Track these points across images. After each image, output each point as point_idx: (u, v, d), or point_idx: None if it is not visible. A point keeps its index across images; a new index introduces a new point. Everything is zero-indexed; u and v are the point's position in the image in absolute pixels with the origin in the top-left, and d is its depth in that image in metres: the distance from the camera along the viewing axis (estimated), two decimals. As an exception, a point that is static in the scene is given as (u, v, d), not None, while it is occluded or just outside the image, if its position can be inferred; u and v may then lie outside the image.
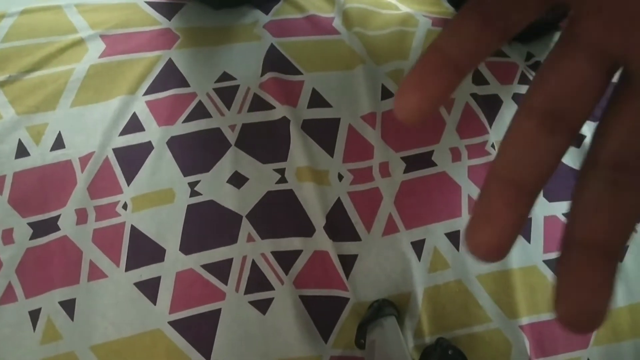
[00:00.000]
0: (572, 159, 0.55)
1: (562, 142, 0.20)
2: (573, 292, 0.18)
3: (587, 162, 0.19)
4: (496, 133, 0.54)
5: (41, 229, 0.49)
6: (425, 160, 0.53)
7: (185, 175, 0.51)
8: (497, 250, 0.19)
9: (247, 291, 0.48)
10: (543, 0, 0.20)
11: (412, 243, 0.50)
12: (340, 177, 0.52)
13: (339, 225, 0.50)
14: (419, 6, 0.62)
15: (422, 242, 0.50)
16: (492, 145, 0.53)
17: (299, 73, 0.56)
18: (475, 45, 0.20)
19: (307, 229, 0.50)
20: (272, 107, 0.54)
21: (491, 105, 0.56)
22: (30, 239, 0.49)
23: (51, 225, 0.49)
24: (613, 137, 0.19)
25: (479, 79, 0.57)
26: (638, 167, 0.19)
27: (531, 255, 0.50)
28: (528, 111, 0.20)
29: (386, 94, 0.55)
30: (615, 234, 0.19)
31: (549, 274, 0.50)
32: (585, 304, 0.17)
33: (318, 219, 0.50)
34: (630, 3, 0.18)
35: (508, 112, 0.55)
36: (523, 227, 0.19)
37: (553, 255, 0.50)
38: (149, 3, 0.60)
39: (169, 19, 0.59)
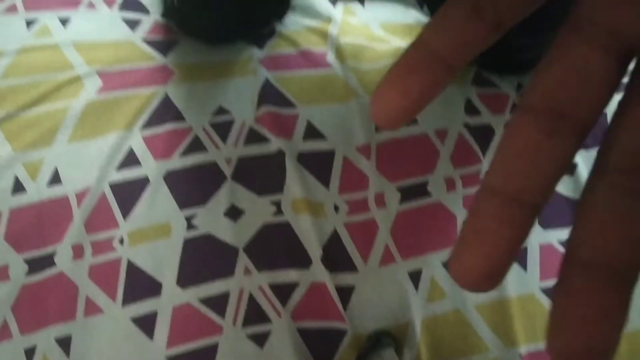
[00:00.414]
0: (565, 187, 0.55)
1: (566, 146, 0.17)
2: (573, 322, 0.15)
3: (595, 169, 0.17)
4: (490, 162, 0.55)
5: (37, 265, 0.49)
6: (420, 191, 0.53)
7: (181, 209, 0.51)
8: (486, 278, 0.16)
9: (245, 324, 0.48)
10: None
11: (409, 273, 0.50)
12: (336, 208, 0.52)
13: (336, 257, 0.50)
14: (410, 39, 0.64)
15: (419, 272, 0.50)
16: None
17: (294, 106, 0.57)
18: (463, 38, 0.18)
19: (303, 261, 0.50)
20: (267, 140, 0.55)
21: (484, 135, 0.56)
22: (26, 275, 0.49)
23: (47, 261, 0.49)
24: (626, 137, 0.16)
25: (471, 109, 0.58)
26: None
27: (528, 284, 0.50)
28: (525, 112, 0.17)
29: (380, 125, 0.56)
30: (630, 252, 0.15)
31: (546, 303, 0.50)
32: (588, 338, 0.14)
33: (315, 251, 0.50)
34: None
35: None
36: (518, 251, 0.16)
37: (550, 283, 0.51)
38: (145, 40, 0.61)
39: (165, 55, 0.60)
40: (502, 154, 0.17)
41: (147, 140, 0.54)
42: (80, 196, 0.51)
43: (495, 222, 0.16)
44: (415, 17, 0.66)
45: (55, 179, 0.52)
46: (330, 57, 0.60)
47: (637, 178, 0.16)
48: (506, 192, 0.16)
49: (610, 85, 0.17)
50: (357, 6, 0.66)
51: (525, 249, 0.52)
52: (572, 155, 0.17)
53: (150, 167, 0.53)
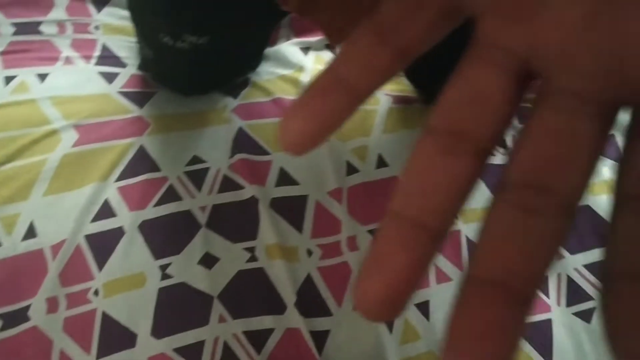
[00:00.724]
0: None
1: (466, 166, 0.16)
2: (466, 339, 0.14)
3: (497, 187, 0.16)
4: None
5: (11, 320, 0.49)
6: None
7: (156, 259, 0.52)
8: (386, 305, 0.15)
9: (220, 373, 0.48)
10: (440, 13, 0.18)
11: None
12: (310, 252, 0.53)
13: (310, 301, 0.51)
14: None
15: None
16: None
17: (267, 153, 0.58)
18: (369, 65, 0.18)
19: (278, 307, 0.50)
20: (241, 187, 0.56)
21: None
22: (0, 330, 0.49)
23: (21, 315, 0.49)
24: (524, 151, 0.16)
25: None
26: (551, 186, 0.16)
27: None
28: (427, 133, 0.17)
29: (351, 169, 0.57)
30: (525, 268, 0.15)
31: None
32: (480, 354, 0.14)
33: (289, 296, 0.50)
34: None
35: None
36: (423, 276, 0.16)
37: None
38: (121, 93, 0.62)
39: (141, 107, 0.61)
40: (404, 175, 0.17)
41: (123, 191, 0.55)
42: (55, 249, 0.52)
43: (395, 247, 0.16)
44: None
45: (31, 232, 0.53)
46: (302, 104, 0.62)
47: (531, 194, 0.16)
48: (406, 215, 0.16)
49: (509, 105, 0.17)
50: (327, 54, 0.68)
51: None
52: (474, 175, 0.16)
53: (125, 217, 0.54)
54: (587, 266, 0.54)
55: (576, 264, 0.54)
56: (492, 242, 0.16)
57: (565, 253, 0.54)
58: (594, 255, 0.54)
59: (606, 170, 0.58)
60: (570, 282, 0.53)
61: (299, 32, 0.70)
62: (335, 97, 0.17)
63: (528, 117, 0.16)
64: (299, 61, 0.67)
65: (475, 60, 0.17)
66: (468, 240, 0.54)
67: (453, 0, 0.17)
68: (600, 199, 0.56)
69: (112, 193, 0.55)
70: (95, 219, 0.53)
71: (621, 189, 0.16)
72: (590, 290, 0.53)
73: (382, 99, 0.63)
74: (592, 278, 0.53)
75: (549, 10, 0.16)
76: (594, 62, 0.16)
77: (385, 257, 0.16)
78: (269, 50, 0.68)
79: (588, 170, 0.16)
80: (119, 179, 0.56)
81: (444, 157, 0.16)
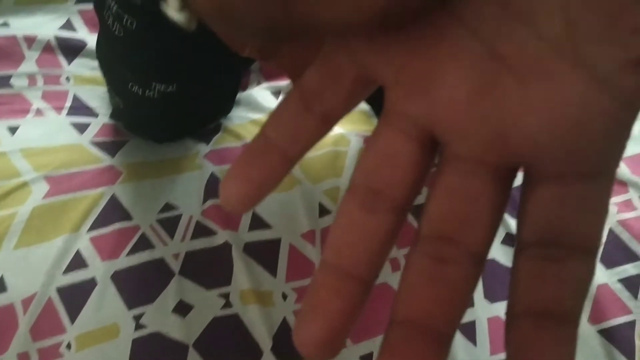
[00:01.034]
0: (509, 259, 0.57)
1: (385, 221, 0.18)
2: None
3: (414, 237, 0.19)
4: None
5: (-20, 378, 0.48)
6: None
7: (129, 309, 0.51)
8: (323, 347, 0.17)
9: None
10: (355, 82, 0.20)
11: (361, 357, 0.50)
12: (285, 296, 0.52)
13: (287, 346, 0.50)
14: (351, 125, 0.66)
15: (371, 355, 0.50)
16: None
17: (239, 198, 0.58)
18: (297, 130, 0.20)
19: (254, 353, 0.50)
20: (214, 233, 0.55)
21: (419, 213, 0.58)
22: (-31, 390, 0.47)
23: (-9, 373, 0.48)
24: (432, 208, 0.19)
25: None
26: (458, 239, 0.18)
27: (479, 358, 0.50)
28: (350, 191, 0.19)
29: (323, 211, 0.57)
30: (441, 310, 0.17)
31: (499, 377, 0.50)
32: None
33: (265, 342, 0.50)
34: (425, 68, 0.18)
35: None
36: (356, 319, 0.18)
37: (501, 356, 0.51)
38: (93, 143, 0.63)
39: (113, 156, 0.61)
40: (332, 230, 0.19)
41: (95, 242, 0.55)
42: (26, 303, 0.51)
43: (329, 295, 0.18)
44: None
45: (1, 286, 0.52)
46: (274, 148, 0.62)
47: (441, 245, 0.18)
48: (337, 266, 0.18)
49: (419, 167, 0.19)
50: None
51: (474, 323, 0.52)
52: (395, 230, 0.19)
53: (98, 268, 0.53)
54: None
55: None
56: (410, 289, 0.18)
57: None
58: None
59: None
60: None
61: (269, 76, 0.71)
62: (267, 161, 0.19)
63: (434, 178, 0.19)
64: (270, 105, 0.67)
65: (386, 126, 0.19)
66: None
67: (365, 72, 0.19)
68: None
69: (83, 244, 0.54)
70: (66, 271, 0.53)
71: (519, 237, 0.18)
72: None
73: (353, 139, 0.64)
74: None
75: (442, 87, 0.18)
76: (480, 133, 0.18)
77: (320, 303, 0.17)
78: (240, 95, 0.68)
79: (489, 223, 0.18)
80: (91, 229, 0.55)
81: (364, 213, 0.18)
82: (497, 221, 0.19)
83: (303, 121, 0.20)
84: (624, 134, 0.18)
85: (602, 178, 0.18)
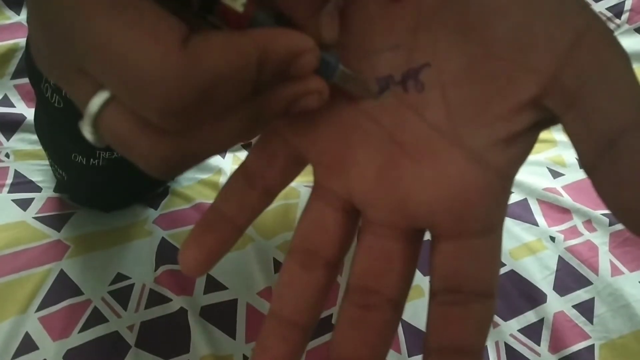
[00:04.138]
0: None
1: (321, 276, 0.22)
2: None
3: (345, 290, 0.22)
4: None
5: None
6: (327, 326, 0.53)
7: (85, 389, 0.49)
8: None
9: None
10: (288, 161, 0.24)
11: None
12: (245, 358, 0.51)
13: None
14: (300, 177, 0.66)
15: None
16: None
17: (192, 261, 0.57)
18: (243, 203, 0.23)
19: (218, 421, 0.48)
20: (169, 300, 0.54)
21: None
22: None
23: None
24: (356, 264, 0.23)
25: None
26: (378, 289, 0.22)
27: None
28: (291, 251, 0.23)
29: (278, 266, 0.57)
30: (369, 353, 0.21)
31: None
32: None
33: (228, 408, 0.49)
34: (341, 151, 0.23)
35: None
36: (299, 357, 0.22)
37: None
38: (37, 218, 0.61)
39: (59, 230, 0.60)
40: (277, 285, 0.23)
41: (44, 322, 0.53)
42: (-27, 394, 0.49)
43: (276, 340, 0.21)
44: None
45: (-54, 380, 0.49)
46: (224, 207, 0.62)
47: (364, 295, 0.22)
48: (281, 315, 0.22)
49: (345, 230, 0.23)
50: (244, 154, 0.69)
51: None
52: (329, 282, 0.23)
53: (49, 349, 0.51)
54: (521, 330, 0.55)
55: (511, 330, 0.54)
56: (342, 333, 0.21)
57: (499, 320, 0.55)
58: (527, 318, 0.55)
59: (526, 234, 0.60)
60: (509, 348, 0.53)
61: (214, 136, 0.71)
62: (219, 230, 0.23)
63: (358, 239, 0.23)
64: (218, 164, 0.67)
65: (316, 198, 0.23)
66: (403, 322, 0.54)
67: (295, 152, 0.24)
68: (522, 262, 0.57)
69: (32, 325, 0.52)
70: (16, 356, 0.51)
71: (430, 286, 0.22)
72: (528, 354, 0.53)
73: (302, 190, 0.64)
74: (529, 342, 0.54)
75: (354, 166, 0.23)
76: (386, 202, 0.22)
77: (269, 348, 0.21)
78: (186, 157, 0.68)
79: (402, 274, 0.22)
80: (39, 308, 0.53)
81: (303, 270, 0.22)
82: (409, 272, 0.22)
83: (247, 195, 0.23)
84: (502, 198, 0.21)
85: (490, 234, 0.21)
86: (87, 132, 0.19)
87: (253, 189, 0.23)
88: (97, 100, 0.18)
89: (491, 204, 0.21)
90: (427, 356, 0.21)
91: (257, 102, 0.20)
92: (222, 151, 0.20)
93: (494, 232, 0.21)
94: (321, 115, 0.23)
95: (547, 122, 0.21)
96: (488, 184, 0.21)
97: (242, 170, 0.24)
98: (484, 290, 0.21)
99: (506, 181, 0.21)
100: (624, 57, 0.18)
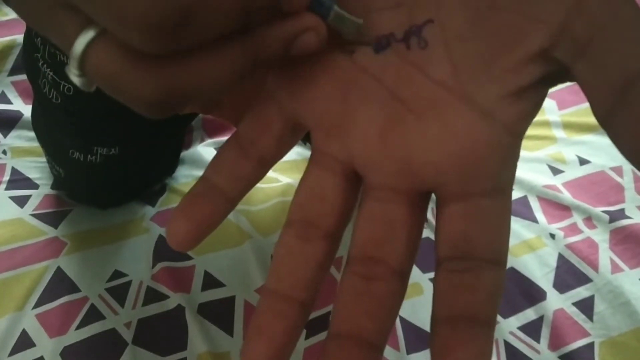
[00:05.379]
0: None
1: (321, 248, 0.21)
2: None
3: (346, 260, 0.21)
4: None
5: None
6: (326, 324, 0.53)
7: (81, 386, 0.49)
8: None
9: None
10: (284, 128, 0.22)
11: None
12: (243, 356, 0.51)
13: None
14: (298, 175, 0.66)
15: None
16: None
17: (190, 258, 0.57)
18: (236, 174, 0.22)
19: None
20: (166, 297, 0.54)
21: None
22: None
23: None
24: (357, 232, 0.21)
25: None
26: (381, 258, 0.20)
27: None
28: (287, 224, 0.22)
29: (276, 263, 0.57)
30: (371, 323, 0.20)
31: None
32: None
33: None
34: (340, 113, 0.21)
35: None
36: (298, 338, 0.20)
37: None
38: (34, 215, 0.61)
39: (56, 227, 0.60)
40: (273, 260, 0.21)
41: (41, 319, 0.52)
42: (-30, 392, 0.48)
43: (271, 317, 0.20)
44: (299, 152, 0.69)
45: (-58, 377, 0.49)
46: (221, 204, 0.62)
47: (367, 265, 0.20)
48: (277, 291, 0.20)
49: (345, 198, 0.22)
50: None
51: None
52: (329, 255, 0.21)
53: (46, 346, 0.51)
54: (521, 328, 0.54)
55: (511, 328, 0.54)
56: (342, 305, 0.20)
57: (499, 318, 0.54)
58: (527, 316, 0.55)
59: (526, 231, 0.60)
60: (508, 346, 0.53)
61: (211, 132, 0.71)
62: (209, 202, 0.21)
63: (359, 206, 0.21)
64: (216, 161, 0.67)
65: (314, 164, 0.22)
66: (400, 319, 0.54)
67: (291, 118, 0.22)
68: (522, 260, 0.57)
69: (29, 322, 0.52)
70: (12, 353, 0.50)
71: (436, 253, 0.20)
72: (527, 351, 0.53)
73: (301, 188, 0.64)
74: (528, 339, 0.54)
75: (355, 127, 0.21)
76: (389, 164, 0.21)
77: (264, 326, 0.20)
78: (184, 154, 0.68)
79: (406, 242, 0.21)
80: (36, 305, 0.53)
81: (300, 242, 0.21)
82: (414, 240, 0.21)
83: (241, 165, 0.22)
84: (511, 156, 0.21)
85: (499, 195, 0.20)
86: (73, 75, 0.19)
87: (246, 159, 0.22)
88: (83, 40, 0.17)
89: (500, 160, 0.20)
90: (436, 326, 0.20)
91: (251, 39, 0.19)
92: (216, 91, 0.19)
93: (504, 194, 0.21)
94: (318, 75, 0.22)
95: (556, 77, 0.20)
96: (497, 139, 0.20)
97: (235, 139, 0.22)
98: (494, 258, 0.20)
99: (515, 138, 0.20)
100: (634, 2, 0.18)
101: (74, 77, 0.19)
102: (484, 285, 0.19)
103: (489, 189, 0.20)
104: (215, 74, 0.18)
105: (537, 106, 0.20)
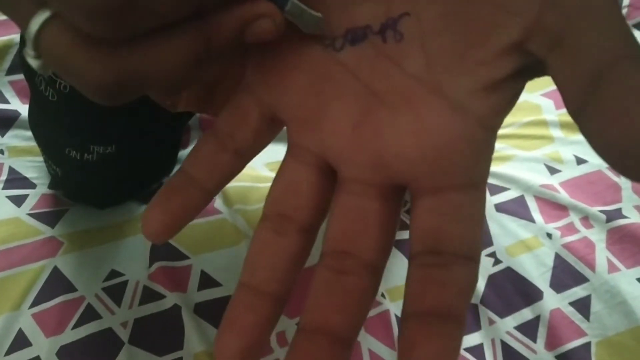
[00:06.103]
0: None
1: (295, 242, 0.21)
2: None
3: (320, 254, 0.21)
4: (384, 282, 0.56)
5: None
6: None
7: (77, 385, 0.49)
8: (240, 354, 0.19)
9: None
10: (260, 121, 0.22)
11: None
12: (240, 356, 0.51)
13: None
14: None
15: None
16: (382, 295, 0.54)
17: (187, 257, 0.57)
18: (213, 166, 0.22)
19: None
20: (162, 297, 0.54)
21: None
22: None
23: None
24: (330, 226, 0.21)
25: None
26: (353, 252, 0.20)
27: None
28: (262, 218, 0.22)
29: (273, 263, 0.57)
30: (342, 317, 0.19)
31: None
32: None
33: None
34: (315, 105, 0.22)
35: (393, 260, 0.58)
36: (270, 331, 0.20)
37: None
38: (31, 214, 0.61)
39: (53, 227, 0.60)
40: (248, 254, 0.21)
41: (37, 318, 0.52)
42: (-34, 391, 0.48)
43: (243, 310, 0.20)
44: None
45: (-62, 376, 0.49)
46: (219, 204, 0.62)
47: (339, 259, 0.20)
48: (251, 284, 0.20)
49: (320, 191, 0.22)
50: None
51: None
52: (304, 250, 0.21)
53: (42, 345, 0.51)
54: (518, 327, 0.54)
55: (507, 327, 0.54)
56: (314, 299, 0.20)
57: (495, 318, 0.54)
58: (523, 315, 0.55)
59: (522, 231, 0.60)
60: (504, 346, 0.53)
61: (209, 132, 0.71)
62: (186, 194, 0.22)
63: (333, 200, 0.22)
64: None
65: (289, 158, 0.22)
66: (397, 318, 0.54)
67: (268, 111, 0.22)
68: (519, 259, 0.57)
69: (26, 321, 0.52)
70: (9, 352, 0.50)
71: (410, 248, 0.20)
72: (524, 351, 0.53)
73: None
74: (525, 339, 0.54)
75: (329, 121, 0.22)
76: (362, 158, 0.21)
77: (236, 318, 0.20)
78: (182, 153, 0.68)
79: (379, 237, 0.21)
80: (33, 305, 0.53)
81: (275, 236, 0.21)
82: (387, 234, 0.21)
83: (219, 158, 0.22)
84: (485, 150, 0.21)
85: (472, 190, 0.20)
86: (29, 57, 0.18)
87: (224, 151, 0.22)
88: (37, 20, 0.18)
89: (474, 155, 0.20)
90: (405, 321, 0.19)
91: (205, 25, 0.19)
92: (171, 77, 0.19)
93: (477, 189, 0.20)
94: (294, 67, 0.22)
95: (532, 71, 0.20)
96: (470, 133, 0.20)
97: (213, 132, 0.22)
98: (466, 252, 0.20)
99: (489, 132, 0.20)
100: None
101: (30, 59, 0.19)
102: (455, 280, 0.19)
103: (462, 184, 0.20)
104: (167, 59, 0.18)
105: (512, 100, 0.20)
